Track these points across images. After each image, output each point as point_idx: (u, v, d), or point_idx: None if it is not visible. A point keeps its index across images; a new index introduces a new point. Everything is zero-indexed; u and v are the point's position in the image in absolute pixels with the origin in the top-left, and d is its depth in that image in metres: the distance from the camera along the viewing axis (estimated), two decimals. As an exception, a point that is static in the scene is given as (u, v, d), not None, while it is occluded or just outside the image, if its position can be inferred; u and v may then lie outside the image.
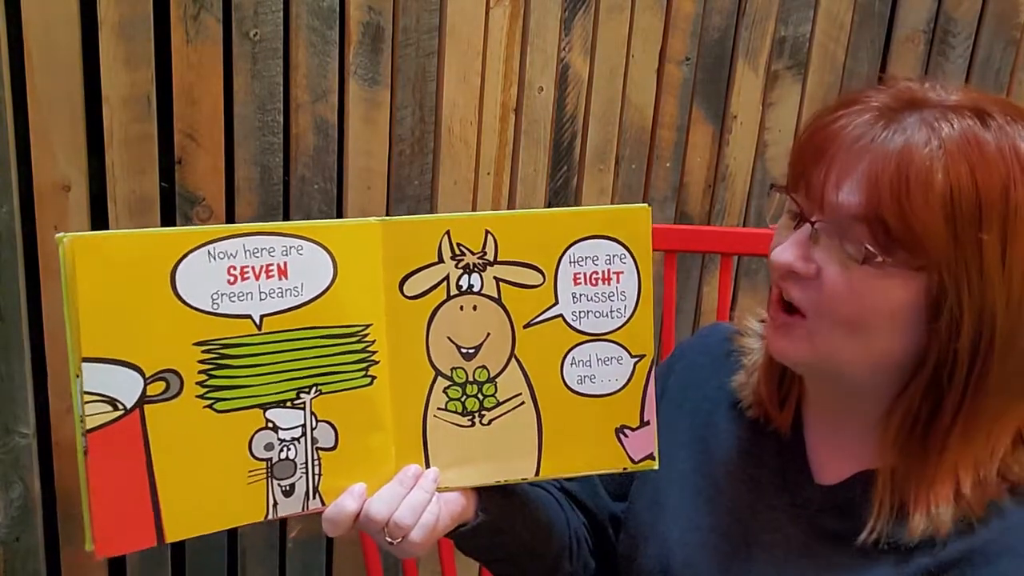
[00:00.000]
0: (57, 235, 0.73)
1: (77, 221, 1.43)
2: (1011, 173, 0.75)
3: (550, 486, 1.01)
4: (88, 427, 0.74)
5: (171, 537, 0.77)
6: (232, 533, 1.67)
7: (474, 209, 1.67)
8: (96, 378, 0.73)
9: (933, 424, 0.80)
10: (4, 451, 1.49)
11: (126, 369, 0.74)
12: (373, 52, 1.53)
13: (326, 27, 1.49)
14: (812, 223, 0.79)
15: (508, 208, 1.69)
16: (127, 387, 0.74)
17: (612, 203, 1.75)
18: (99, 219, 1.45)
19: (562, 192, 1.73)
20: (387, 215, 1.57)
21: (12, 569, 1.54)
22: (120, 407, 0.74)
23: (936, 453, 0.80)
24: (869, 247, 0.76)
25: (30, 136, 1.38)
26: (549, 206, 1.72)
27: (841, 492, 0.87)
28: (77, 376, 0.73)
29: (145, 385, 0.75)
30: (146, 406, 0.75)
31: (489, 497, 0.88)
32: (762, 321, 0.96)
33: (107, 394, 0.74)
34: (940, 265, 0.75)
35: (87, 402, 0.73)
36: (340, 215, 1.59)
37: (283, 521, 1.70)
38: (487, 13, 1.58)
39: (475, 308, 0.84)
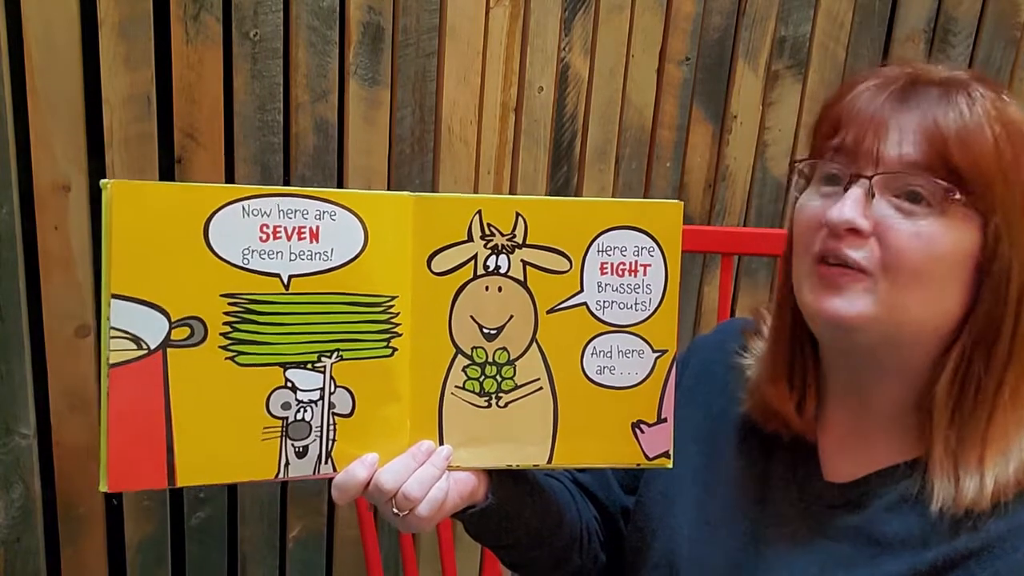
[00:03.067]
0: (102, 181, 0.75)
1: (77, 221, 1.43)
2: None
3: (563, 477, 1.01)
4: (111, 362, 0.75)
5: (182, 481, 0.78)
6: (232, 533, 1.68)
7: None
8: (123, 315, 0.75)
9: (983, 384, 0.80)
10: (5, 451, 1.49)
11: (152, 311, 0.76)
12: (373, 52, 1.53)
13: (326, 27, 1.50)
14: (868, 177, 0.79)
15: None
16: (152, 328, 0.76)
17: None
18: (99, 220, 1.44)
19: (562, 192, 1.73)
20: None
21: (13, 570, 1.54)
22: (144, 346, 0.76)
23: (986, 418, 0.81)
24: (937, 186, 0.78)
25: (30, 136, 1.39)
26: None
27: (855, 490, 0.86)
28: (107, 318, 0.75)
29: (170, 329, 0.76)
30: (169, 349, 0.77)
31: (500, 481, 0.88)
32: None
33: (132, 332, 0.76)
34: (996, 207, 0.78)
35: (112, 337, 0.75)
36: (340, 215, 1.59)
37: (283, 521, 1.70)
38: (487, 13, 1.58)
39: (500, 289, 0.84)
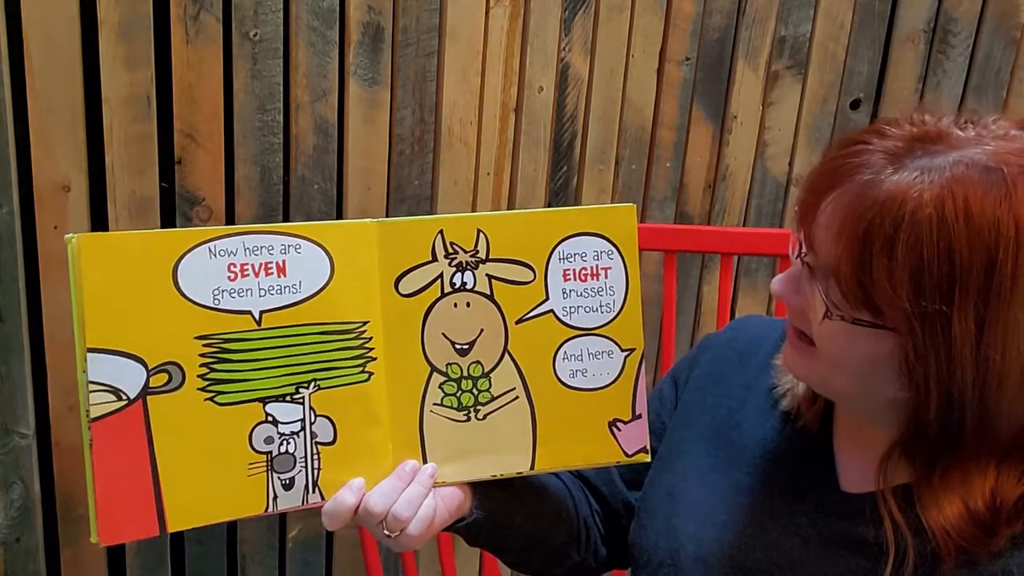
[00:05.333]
0: (66, 236, 0.75)
1: (77, 221, 1.43)
2: (1003, 245, 0.69)
3: (564, 474, 1.01)
4: (92, 416, 0.76)
5: (173, 527, 0.79)
6: (232, 534, 1.67)
7: (474, 209, 1.67)
8: (100, 368, 0.75)
9: (921, 451, 0.80)
10: (4, 451, 1.49)
11: (129, 360, 0.76)
12: (373, 52, 1.53)
13: (326, 27, 1.49)
14: (803, 260, 0.79)
15: (508, 208, 1.69)
16: (130, 378, 0.76)
17: (612, 203, 1.76)
18: (99, 219, 1.45)
19: (562, 192, 1.73)
20: (387, 215, 1.58)
21: (12, 570, 1.54)
22: (124, 397, 0.76)
23: (937, 475, 0.79)
24: (832, 303, 0.76)
25: (30, 136, 1.38)
26: (549, 206, 1.72)
27: (870, 501, 0.85)
28: (84, 372, 0.75)
29: (148, 376, 0.77)
30: (149, 397, 0.77)
31: (485, 492, 0.89)
32: None
33: (111, 384, 0.76)
34: (903, 332, 0.73)
35: (92, 391, 0.75)
36: (340, 215, 1.59)
37: (283, 522, 1.70)
38: (487, 13, 1.58)
39: (468, 305, 0.85)
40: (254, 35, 1.46)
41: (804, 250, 0.79)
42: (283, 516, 1.70)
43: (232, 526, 1.67)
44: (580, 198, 1.73)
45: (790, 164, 1.86)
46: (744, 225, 1.87)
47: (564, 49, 1.65)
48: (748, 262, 1.89)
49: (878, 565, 0.82)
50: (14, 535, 1.53)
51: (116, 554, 1.61)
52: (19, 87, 1.36)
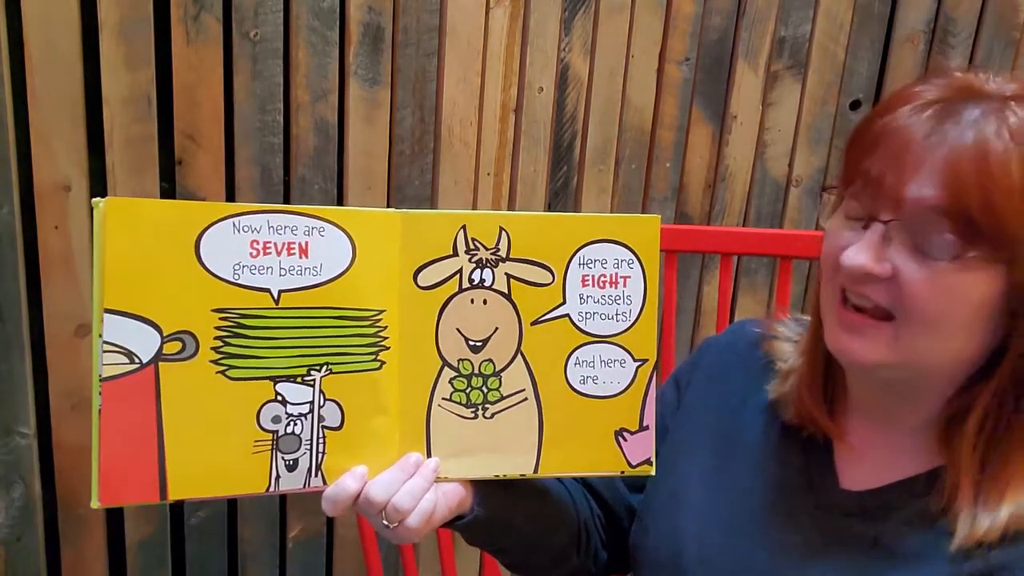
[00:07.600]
0: (93, 200, 0.76)
1: (77, 221, 1.43)
2: None
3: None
4: (104, 376, 0.76)
5: (174, 495, 0.79)
6: (232, 533, 1.68)
7: (474, 209, 1.67)
8: (115, 329, 0.76)
9: (1013, 425, 0.79)
10: (5, 451, 1.49)
11: (145, 325, 0.77)
12: (373, 52, 1.53)
13: (326, 27, 1.50)
14: (885, 222, 0.77)
15: (508, 208, 1.69)
16: (144, 342, 0.77)
17: (612, 203, 1.76)
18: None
19: (562, 192, 1.73)
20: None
21: (13, 569, 1.54)
22: (136, 360, 0.77)
23: (1014, 459, 0.79)
24: (953, 241, 0.74)
25: (30, 136, 1.39)
26: (549, 206, 1.72)
27: (872, 500, 0.85)
28: (100, 336, 0.76)
29: (162, 343, 0.77)
30: (161, 363, 0.77)
31: (488, 491, 0.89)
32: (798, 321, 0.95)
33: (125, 346, 0.76)
34: (1020, 258, 0.74)
35: (105, 351, 0.76)
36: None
37: (283, 521, 1.70)
38: (487, 13, 1.58)
39: (485, 302, 0.85)
40: (254, 35, 1.46)
41: (879, 213, 0.78)
42: (284, 515, 1.70)
43: (233, 524, 1.67)
44: (580, 198, 1.74)
45: (790, 164, 1.86)
46: (744, 225, 1.87)
47: (564, 49, 1.66)
48: (748, 262, 1.90)
49: (881, 564, 0.82)
50: (15, 534, 1.53)
51: (117, 552, 1.61)
52: (20, 87, 1.37)
